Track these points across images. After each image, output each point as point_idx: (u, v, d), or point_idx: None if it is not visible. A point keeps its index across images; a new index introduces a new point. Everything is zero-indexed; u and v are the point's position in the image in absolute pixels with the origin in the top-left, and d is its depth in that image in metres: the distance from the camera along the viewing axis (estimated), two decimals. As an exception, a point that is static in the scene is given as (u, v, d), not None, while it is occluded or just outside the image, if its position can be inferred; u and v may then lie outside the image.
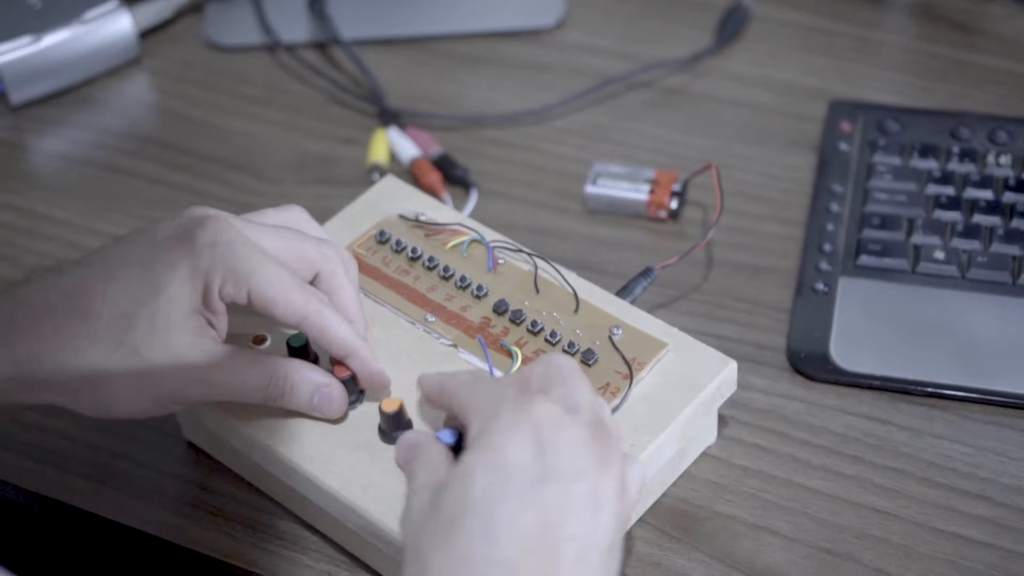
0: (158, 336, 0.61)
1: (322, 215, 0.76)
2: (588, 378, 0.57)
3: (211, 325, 0.63)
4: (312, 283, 0.66)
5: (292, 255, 0.65)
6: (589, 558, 0.52)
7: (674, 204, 0.81)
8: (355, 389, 0.66)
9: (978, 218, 0.77)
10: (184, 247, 0.62)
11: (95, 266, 0.63)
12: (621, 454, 0.55)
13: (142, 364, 0.62)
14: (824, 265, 0.76)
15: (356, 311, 0.66)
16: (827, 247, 0.77)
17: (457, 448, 0.57)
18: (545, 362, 0.58)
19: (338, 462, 0.64)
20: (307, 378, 0.64)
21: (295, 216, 0.68)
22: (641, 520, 0.66)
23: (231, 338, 0.65)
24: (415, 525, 0.54)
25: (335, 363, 0.65)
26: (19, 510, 0.73)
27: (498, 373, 0.66)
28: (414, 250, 0.72)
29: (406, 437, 0.60)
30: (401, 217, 0.74)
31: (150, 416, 0.65)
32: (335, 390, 0.65)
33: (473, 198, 0.83)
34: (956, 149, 0.81)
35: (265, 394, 0.64)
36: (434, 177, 0.83)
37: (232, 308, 0.64)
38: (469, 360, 0.67)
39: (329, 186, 0.85)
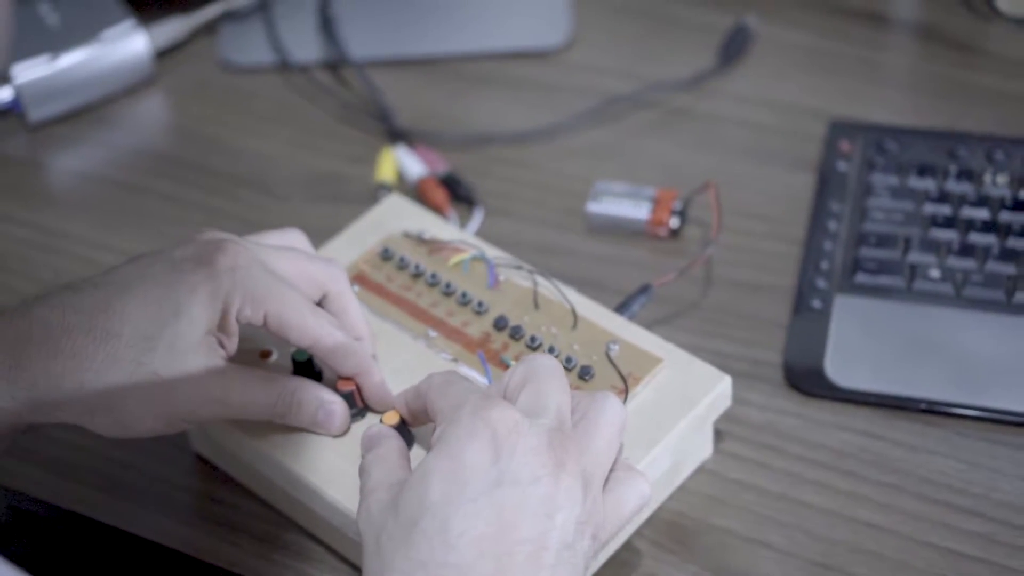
0: (177, 358, 0.62)
1: (330, 233, 0.78)
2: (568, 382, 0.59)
3: (222, 345, 0.65)
4: (320, 302, 0.68)
5: (302, 276, 0.67)
6: (541, 558, 0.54)
7: (674, 222, 0.82)
8: (356, 403, 0.67)
9: (974, 237, 0.78)
10: (204, 270, 0.63)
11: (113, 286, 0.64)
12: (579, 457, 0.56)
13: (160, 385, 0.62)
14: (821, 283, 0.78)
15: (365, 329, 0.68)
16: (824, 265, 0.78)
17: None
18: (526, 362, 0.60)
19: (342, 474, 0.65)
20: (314, 396, 0.66)
21: (294, 238, 0.70)
22: (636, 532, 0.68)
23: (240, 352, 0.67)
24: (375, 525, 0.56)
25: (340, 377, 0.67)
26: (36, 522, 0.75)
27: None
28: (417, 267, 0.74)
29: (368, 431, 0.62)
30: (405, 234, 0.76)
31: (161, 434, 0.66)
32: (337, 407, 0.66)
33: (478, 216, 0.84)
34: (953, 169, 0.82)
35: (273, 412, 0.66)
36: (440, 195, 0.85)
37: (243, 328, 0.66)
38: (469, 375, 0.69)
39: (338, 204, 0.86)
